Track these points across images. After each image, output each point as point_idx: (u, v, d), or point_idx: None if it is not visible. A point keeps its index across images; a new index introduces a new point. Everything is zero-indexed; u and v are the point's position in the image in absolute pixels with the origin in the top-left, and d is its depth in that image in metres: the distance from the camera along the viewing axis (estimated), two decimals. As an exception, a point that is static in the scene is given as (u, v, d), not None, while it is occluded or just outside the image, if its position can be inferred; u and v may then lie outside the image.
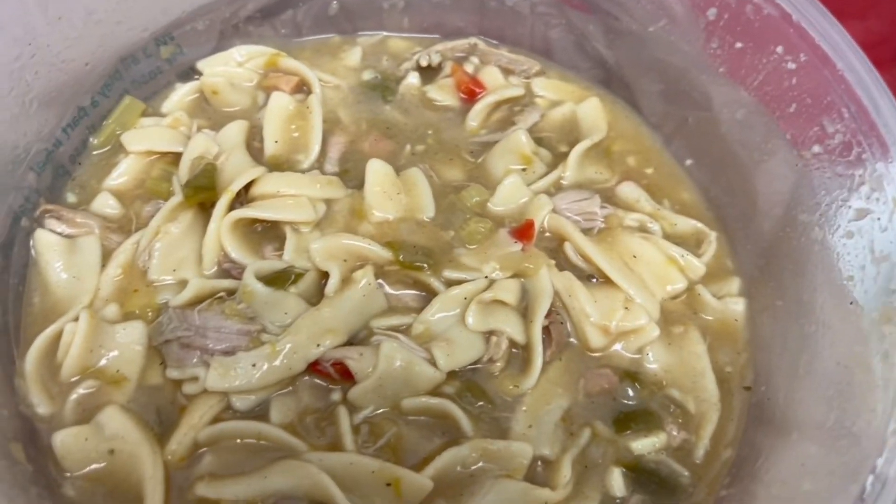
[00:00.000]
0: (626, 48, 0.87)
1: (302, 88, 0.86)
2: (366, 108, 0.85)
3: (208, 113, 0.83)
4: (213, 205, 0.72)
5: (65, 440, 0.61)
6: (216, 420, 0.63)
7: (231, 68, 0.85)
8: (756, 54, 0.76)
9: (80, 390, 0.64)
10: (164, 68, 0.83)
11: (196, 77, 0.85)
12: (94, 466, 0.61)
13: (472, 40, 0.90)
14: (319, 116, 0.80)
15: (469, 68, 0.89)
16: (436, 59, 0.88)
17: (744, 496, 0.64)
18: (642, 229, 0.78)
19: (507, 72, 0.90)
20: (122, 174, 0.76)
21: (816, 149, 0.71)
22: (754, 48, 0.76)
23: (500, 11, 0.91)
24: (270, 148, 0.79)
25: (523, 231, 0.74)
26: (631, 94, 0.89)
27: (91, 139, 0.78)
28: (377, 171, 0.76)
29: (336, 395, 0.66)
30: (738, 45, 0.77)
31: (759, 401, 0.71)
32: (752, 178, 0.78)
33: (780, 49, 0.74)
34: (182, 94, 0.84)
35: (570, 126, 0.86)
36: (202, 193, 0.71)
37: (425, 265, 0.71)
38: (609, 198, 0.80)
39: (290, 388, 0.66)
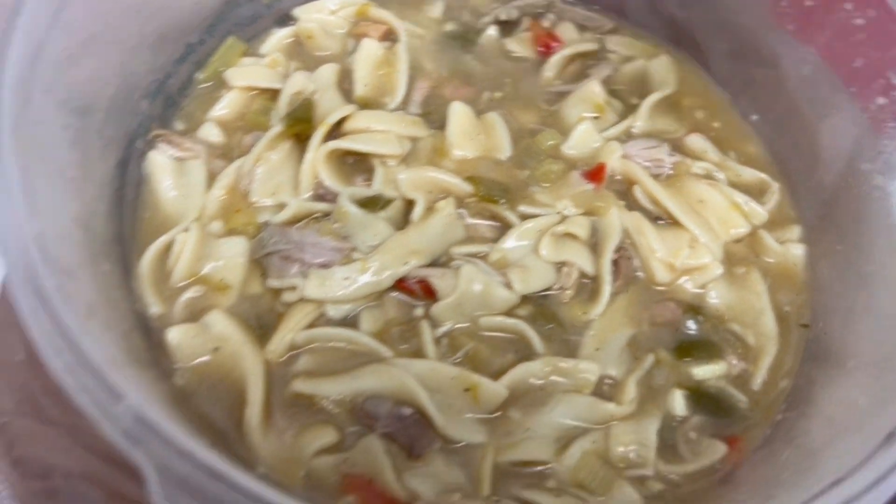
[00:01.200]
0: (698, 8, 0.90)
1: (389, 37, 0.90)
2: (447, 56, 0.89)
3: (302, 56, 0.88)
4: (307, 137, 0.77)
5: (176, 335, 0.66)
6: (311, 326, 0.68)
7: (324, 16, 0.90)
8: (825, 12, 0.79)
9: (189, 294, 0.70)
10: (263, 13, 0.89)
11: (292, 23, 0.90)
12: (201, 360, 0.66)
13: None
14: (406, 63, 0.85)
15: (545, 24, 0.92)
16: (514, 14, 0.91)
17: (799, 418, 0.67)
18: (708, 177, 0.81)
19: (581, 28, 0.93)
20: (225, 107, 0.82)
21: (881, 100, 0.74)
22: (824, 6, 0.79)
23: None
24: (360, 90, 0.83)
25: (595, 173, 0.78)
26: (700, 53, 0.91)
27: (196, 74, 0.84)
28: (459, 113, 0.81)
29: (419, 311, 0.71)
30: (808, 3, 0.80)
31: (816, 337, 0.74)
32: (817, 133, 0.81)
33: (848, 5, 0.76)
34: (279, 37, 0.89)
35: (642, 80, 0.89)
36: (300, 125, 0.77)
37: (502, 199, 0.75)
38: (677, 147, 0.83)
39: (378, 302, 0.71)
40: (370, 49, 0.86)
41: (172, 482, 0.43)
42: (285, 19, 0.90)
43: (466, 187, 0.75)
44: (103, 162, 0.70)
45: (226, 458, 0.48)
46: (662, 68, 0.90)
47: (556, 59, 0.88)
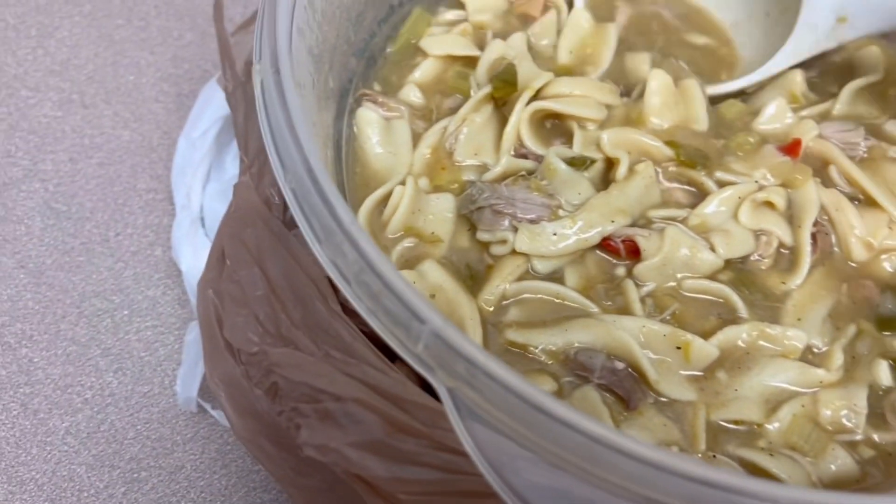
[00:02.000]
0: None
1: (549, 10, 0.91)
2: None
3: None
4: (506, 103, 0.79)
5: None
6: (519, 279, 0.70)
7: (489, 1, 0.91)
8: None
9: (404, 244, 0.72)
10: None
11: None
12: None
13: None
14: (615, 34, 0.87)
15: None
16: None
17: None
18: None
19: None
20: (422, 74, 0.84)
21: None
22: None
23: None
24: (564, 57, 0.86)
25: (790, 148, 0.78)
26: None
27: (391, 41, 0.87)
28: (660, 80, 0.81)
29: (621, 271, 0.72)
30: None
31: None
32: None
33: None
34: (453, 16, 0.91)
35: (845, 72, 0.88)
36: (508, 87, 0.78)
37: (700, 165, 0.76)
38: (875, 133, 0.82)
39: (581, 260, 0.72)
40: (579, 19, 0.88)
41: (470, 405, 0.45)
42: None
43: (667, 151, 0.76)
44: (328, 112, 0.73)
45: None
46: (871, 57, 0.88)
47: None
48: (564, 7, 0.90)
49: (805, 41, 0.84)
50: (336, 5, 0.74)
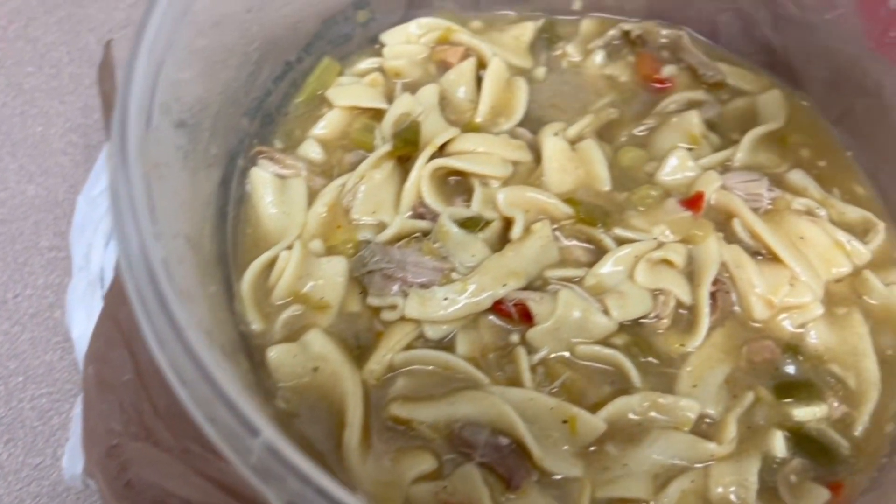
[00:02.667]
0: (795, 35, 0.87)
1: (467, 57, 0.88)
2: (534, 81, 0.88)
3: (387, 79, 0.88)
4: (409, 158, 0.77)
5: (277, 354, 0.66)
6: (409, 347, 0.68)
7: (409, 46, 0.89)
8: None
9: (289, 312, 0.70)
10: (357, 32, 0.88)
11: (377, 45, 0.90)
12: (301, 380, 0.66)
13: (681, 31, 0.90)
14: (526, 92, 0.85)
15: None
16: (636, 32, 0.90)
17: None
18: (810, 214, 0.77)
19: (690, 70, 0.89)
20: (326, 126, 0.82)
21: None
22: None
23: None
24: (484, 112, 0.83)
25: (693, 201, 0.76)
26: (796, 80, 0.88)
27: (293, 95, 0.84)
28: (553, 148, 0.79)
29: (514, 337, 0.69)
30: None
31: None
32: (922, 168, 0.79)
33: (964, 39, 0.74)
34: (367, 65, 0.89)
35: (746, 117, 0.86)
36: (408, 146, 0.77)
37: (600, 223, 0.74)
38: (777, 182, 0.80)
39: (474, 325, 0.70)
40: (500, 69, 0.86)
41: None
42: (374, 39, 0.90)
43: (566, 209, 0.74)
44: (208, 181, 0.70)
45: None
46: (772, 102, 0.86)
47: (665, 104, 0.86)
48: (489, 54, 0.87)
49: None
50: (220, 70, 0.71)
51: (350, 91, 0.85)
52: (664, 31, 0.91)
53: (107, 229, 0.87)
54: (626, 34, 0.91)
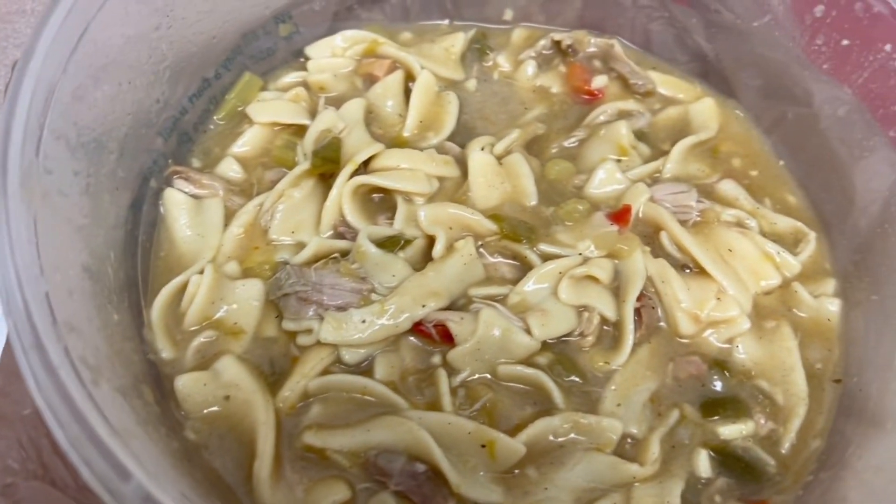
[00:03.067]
0: (727, 43, 0.87)
1: (392, 72, 0.87)
2: (465, 93, 0.87)
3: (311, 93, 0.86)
4: (332, 175, 0.75)
5: (186, 383, 0.64)
6: (326, 372, 0.66)
7: (334, 60, 0.88)
8: (862, 52, 0.75)
9: (201, 338, 0.68)
10: (280, 46, 0.87)
11: (302, 59, 0.88)
12: (211, 409, 0.64)
13: (612, 40, 0.90)
14: (456, 106, 0.84)
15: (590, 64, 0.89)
16: (566, 42, 0.88)
17: (833, 481, 0.63)
18: (740, 225, 0.77)
19: (621, 79, 0.89)
20: (246, 143, 0.80)
21: (920, 145, 0.71)
22: (861, 46, 0.75)
23: (602, 3, 0.91)
24: (412, 126, 0.82)
25: (620, 215, 0.75)
26: (729, 88, 0.88)
27: (213, 112, 0.82)
28: (479, 163, 0.77)
29: (436, 359, 0.68)
30: (845, 42, 0.76)
31: (851, 392, 0.70)
32: (851, 175, 0.77)
33: (888, 47, 0.73)
34: (291, 79, 0.87)
35: (678, 127, 0.86)
36: (328, 164, 0.75)
37: (525, 238, 0.73)
38: (708, 193, 0.80)
39: (394, 347, 0.68)
40: (428, 84, 0.84)
41: None
42: (299, 53, 0.88)
43: (490, 225, 0.73)
44: (115, 205, 0.68)
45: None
46: (705, 111, 0.86)
47: (594, 115, 0.85)
48: (417, 66, 0.86)
49: None
50: (126, 90, 0.68)
51: (271, 107, 0.83)
52: (595, 40, 0.90)
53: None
54: (557, 44, 0.90)
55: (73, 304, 0.54)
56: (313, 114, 0.83)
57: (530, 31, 0.93)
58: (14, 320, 0.48)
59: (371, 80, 0.87)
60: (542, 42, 0.90)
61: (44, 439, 0.59)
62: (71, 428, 0.45)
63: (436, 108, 0.85)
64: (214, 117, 0.83)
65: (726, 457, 0.66)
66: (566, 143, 0.84)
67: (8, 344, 0.67)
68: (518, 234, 0.73)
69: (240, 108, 0.83)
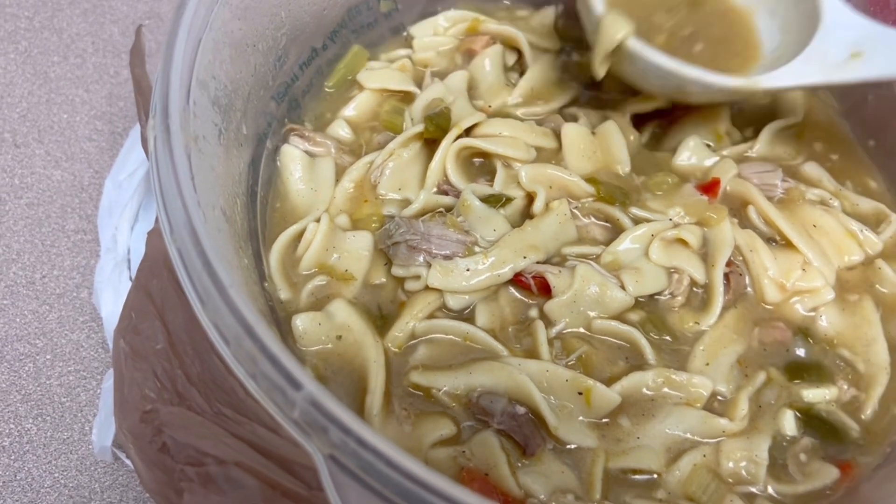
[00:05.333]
0: None
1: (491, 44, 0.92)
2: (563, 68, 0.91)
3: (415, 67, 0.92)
4: (437, 141, 0.79)
5: (303, 321, 0.68)
6: (431, 317, 0.70)
7: (437, 38, 0.93)
8: None
9: (315, 282, 0.72)
10: (381, 21, 0.91)
11: (404, 34, 0.94)
12: (325, 346, 0.68)
13: None
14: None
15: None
16: None
17: None
18: (823, 204, 0.79)
19: None
20: (356, 107, 0.85)
21: None
22: None
23: None
24: (524, 93, 0.88)
25: (709, 187, 0.77)
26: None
27: (320, 80, 0.88)
28: (571, 135, 0.81)
29: (533, 312, 0.71)
30: None
31: None
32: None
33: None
34: (396, 55, 0.93)
35: (763, 114, 0.88)
36: (439, 130, 0.79)
37: (618, 203, 0.76)
38: (792, 174, 0.81)
39: (494, 297, 0.72)
40: (547, 62, 0.90)
41: (344, 471, 0.45)
42: (399, 28, 0.93)
43: (587, 187, 0.76)
44: (239, 160, 0.72)
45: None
46: (792, 99, 0.88)
47: None
48: (523, 39, 0.91)
49: (812, 66, 0.77)
50: (251, 53, 0.74)
51: (381, 74, 0.87)
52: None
53: (133, 212, 0.92)
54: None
55: (221, 241, 0.60)
56: (418, 84, 0.87)
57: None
58: (180, 246, 0.53)
59: (470, 54, 0.92)
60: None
61: (177, 371, 0.64)
62: (241, 343, 0.48)
63: (544, 76, 0.90)
64: (325, 84, 0.88)
65: (811, 418, 0.68)
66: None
67: (135, 287, 0.74)
68: (613, 197, 0.76)
69: (349, 77, 0.88)
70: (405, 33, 0.94)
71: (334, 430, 0.46)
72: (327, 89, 0.88)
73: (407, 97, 0.85)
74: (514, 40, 0.90)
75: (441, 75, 0.89)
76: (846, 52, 0.76)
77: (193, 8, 0.63)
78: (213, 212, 0.60)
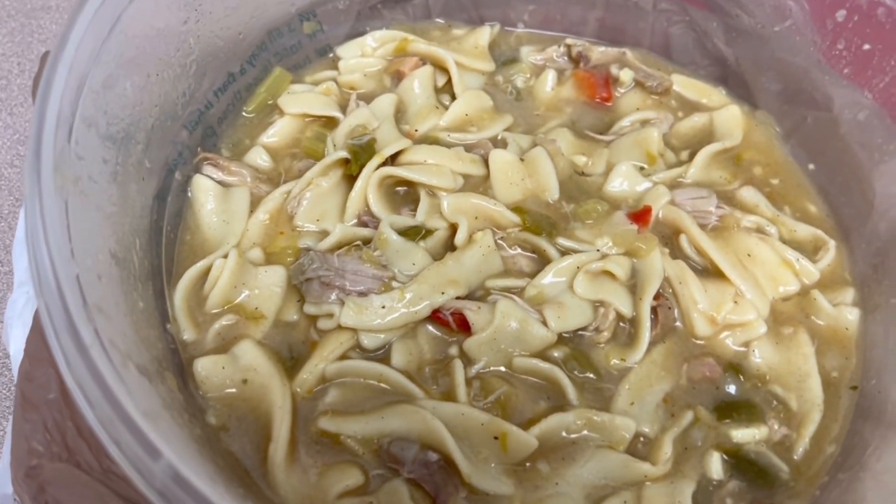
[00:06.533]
0: (747, 47, 0.87)
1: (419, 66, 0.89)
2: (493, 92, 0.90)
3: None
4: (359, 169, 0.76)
5: (205, 365, 0.65)
6: (344, 357, 0.67)
7: (364, 59, 0.90)
8: (884, 56, 0.75)
9: (222, 321, 0.69)
10: (304, 43, 0.88)
11: (331, 56, 0.91)
12: (228, 391, 0.65)
13: (624, 49, 0.91)
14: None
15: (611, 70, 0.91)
16: (576, 51, 0.90)
17: (851, 482, 0.63)
18: (759, 231, 0.77)
19: (638, 83, 0.90)
20: (276, 133, 0.82)
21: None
22: (883, 50, 0.75)
23: (622, 7, 0.92)
24: (456, 118, 0.86)
25: (640, 215, 0.75)
26: (748, 93, 0.88)
27: (238, 106, 0.85)
28: (499, 162, 0.79)
29: (453, 350, 0.69)
30: (866, 46, 0.76)
31: (870, 394, 0.70)
32: (871, 179, 0.78)
33: (910, 52, 0.75)
34: (322, 77, 0.90)
35: (700, 136, 0.87)
36: (363, 161, 0.76)
37: (545, 233, 0.74)
38: (728, 199, 0.79)
39: (412, 335, 0.69)
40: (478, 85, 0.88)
41: None
42: (325, 50, 0.90)
43: (513, 217, 0.73)
44: (141, 195, 0.69)
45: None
46: (730, 119, 0.86)
47: (620, 125, 0.87)
48: (451, 61, 0.88)
49: None
50: (155, 82, 0.70)
51: (303, 98, 0.84)
52: (604, 49, 0.92)
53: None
54: (568, 48, 0.92)
55: (101, 288, 0.55)
56: (343, 108, 0.84)
57: (546, 38, 0.95)
58: (46, 301, 0.49)
59: (399, 76, 0.89)
60: (554, 48, 0.92)
61: (68, 422, 0.61)
62: (102, 408, 0.45)
63: (478, 102, 0.87)
64: (244, 109, 0.85)
65: (739, 460, 0.66)
66: (591, 146, 0.85)
67: (32, 330, 0.71)
68: (539, 227, 0.74)
69: (269, 102, 0.85)
70: (331, 55, 0.91)
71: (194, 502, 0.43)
72: (246, 114, 0.85)
73: (330, 122, 0.82)
74: (443, 62, 0.87)
75: (368, 98, 0.86)
76: None
77: (76, 41, 0.59)
78: (95, 257, 0.57)
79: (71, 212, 0.54)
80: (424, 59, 0.89)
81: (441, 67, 0.90)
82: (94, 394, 0.46)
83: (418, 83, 0.87)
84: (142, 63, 0.68)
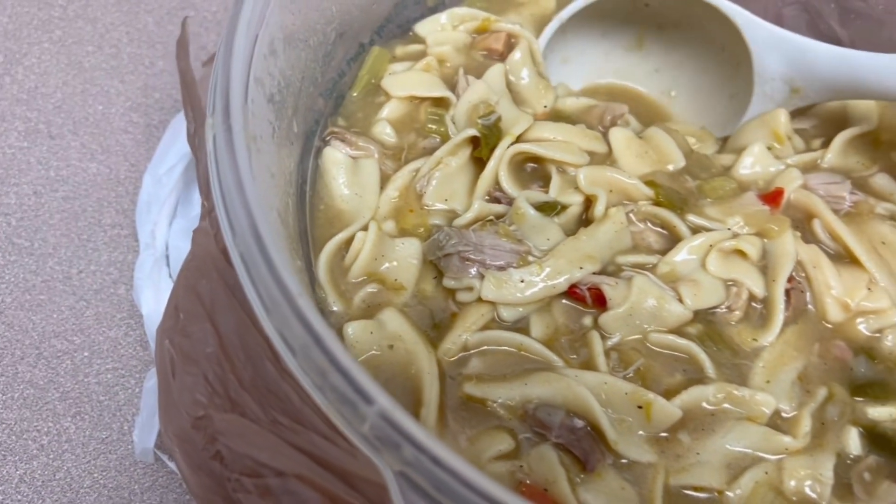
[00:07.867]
0: (863, 30, 0.88)
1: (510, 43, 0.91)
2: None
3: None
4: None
5: (355, 329, 0.68)
6: (485, 328, 0.70)
7: (453, 33, 0.91)
8: None
9: (367, 289, 0.72)
10: (429, 15, 0.91)
11: (410, 33, 0.91)
12: (374, 353, 0.68)
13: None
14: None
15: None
16: None
17: None
18: (893, 219, 0.78)
19: None
20: (390, 112, 0.84)
21: None
22: None
23: None
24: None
25: (771, 197, 0.77)
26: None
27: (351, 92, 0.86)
28: (619, 139, 0.81)
29: (587, 321, 0.71)
30: None
31: None
32: None
33: None
34: (413, 50, 0.90)
35: (833, 120, 0.87)
36: (493, 143, 0.78)
37: (678, 208, 0.75)
38: (861, 186, 0.80)
39: (547, 308, 0.71)
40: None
41: (415, 489, 0.45)
42: (407, 27, 0.91)
43: (646, 190, 0.75)
44: (290, 158, 0.72)
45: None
46: (865, 105, 0.86)
47: None
48: (532, 38, 0.89)
49: (764, 108, 0.84)
50: (302, 48, 0.73)
51: (406, 79, 0.85)
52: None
53: (171, 208, 0.91)
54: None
55: (279, 244, 0.59)
56: (448, 83, 0.86)
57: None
58: (243, 252, 0.51)
59: (490, 53, 0.90)
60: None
61: (230, 375, 0.63)
62: (310, 353, 0.47)
63: None
64: (351, 93, 0.86)
65: (876, 436, 0.68)
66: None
67: (184, 288, 0.73)
68: (672, 202, 0.76)
69: (373, 82, 0.86)
70: (410, 32, 0.92)
71: (407, 446, 0.45)
72: (354, 95, 0.86)
73: (440, 101, 0.84)
74: (529, 41, 0.89)
75: (467, 72, 0.87)
76: (786, 90, 0.84)
77: (251, 4, 0.61)
78: (271, 214, 0.59)
79: (254, 168, 0.56)
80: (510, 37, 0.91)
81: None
82: (300, 341, 0.48)
83: (521, 56, 0.89)
84: (294, 28, 0.71)
